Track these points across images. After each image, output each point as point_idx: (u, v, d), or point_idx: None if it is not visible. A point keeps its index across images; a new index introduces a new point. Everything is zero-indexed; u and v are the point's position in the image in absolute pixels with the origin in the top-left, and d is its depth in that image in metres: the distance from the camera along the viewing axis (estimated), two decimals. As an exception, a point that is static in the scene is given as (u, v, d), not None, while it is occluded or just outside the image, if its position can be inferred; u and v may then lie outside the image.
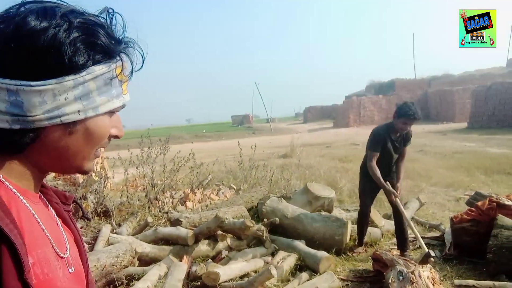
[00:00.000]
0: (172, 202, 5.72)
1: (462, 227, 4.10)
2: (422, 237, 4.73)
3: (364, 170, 4.42)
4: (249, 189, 6.39)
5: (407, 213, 5.42)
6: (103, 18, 0.67)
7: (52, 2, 0.63)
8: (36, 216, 0.65)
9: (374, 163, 4.17)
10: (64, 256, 0.69)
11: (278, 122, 52.22)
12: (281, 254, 3.97)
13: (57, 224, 0.74)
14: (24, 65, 0.58)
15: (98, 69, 0.63)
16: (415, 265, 3.18)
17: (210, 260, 3.80)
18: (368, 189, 4.46)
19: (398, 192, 4.17)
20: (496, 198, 4.18)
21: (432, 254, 3.78)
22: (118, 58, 0.67)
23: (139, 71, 0.72)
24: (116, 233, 4.29)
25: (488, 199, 4.23)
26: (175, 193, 5.92)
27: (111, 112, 0.69)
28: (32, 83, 0.58)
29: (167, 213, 4.79)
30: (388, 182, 4.21)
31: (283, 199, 5.06)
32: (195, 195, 6.12)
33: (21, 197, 0.64)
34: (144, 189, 5.59)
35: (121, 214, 5.12)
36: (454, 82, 33.25)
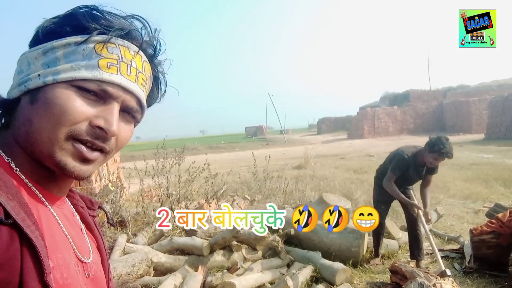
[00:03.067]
0: (187, 213, 5.72)
1: (482, 240, 4.00)
2: (441, 250, 4.65)
3: (378, 181, 4.44)
4: (264, 200, 6.37)
5: (427, 227, 5.34)
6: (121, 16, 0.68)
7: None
8: (59, 221, 0.65)
9: (392, 183, 4.17)
10: (86, 261, 0.68)
11: (292, 133, 52.15)
12: (297, 265, 3.93)
13: (81, 229, 0.74)
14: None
15: (70, 38, 0.63)
16: (436, 278, 3.11)
17: (225, 270, 3.78)
18: (381, 198, 4.43)
19: (429, 218, 4.28)
20: (517, 210, 4.08)
21: (448, 273, 3.63)
22: (102, 33, 0.64)
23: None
24: (132, 242, 4.31)
25: (508, 210, 4.12)
26: (190, 203, 5.93)
27: (97, 97, 0.63)
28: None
29: (182, 223, 4.79)
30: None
31: (298, 210, 5.02)
32: (210, 206, 6.13)
33: (44, 200, 0.64)
34: (159, 199, 5.61)
35: (136, 224, 5.15)
36: (470, 93, 32.89)
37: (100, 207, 0.85)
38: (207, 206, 6.16)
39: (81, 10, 0.65)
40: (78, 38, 0.63)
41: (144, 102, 0.70)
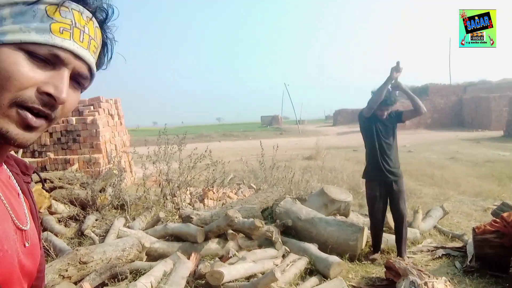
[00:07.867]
0: (191, 200, 5.71)
1: (485, 239, 3.87)
2: (443, 247, 4.54)
3: (368, 175, 4.40)
4: (267, 189, 6.31)
5: (431, 221, 5.25)
6: None
7: None
8: None
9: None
10: (24, 228, 0.66)
11: (308, 124, 51.71)
12: (292, 256, 3.87)
13: (18, 194, 0.70)
14: None
15: None
16: (429, 276, 3.02)
17: (217, 259, 3.74)
18: (374, 193, 4.30)
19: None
20: (524, 210, 3.93)
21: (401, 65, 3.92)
22: None
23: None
24: (129, 227, 4.31)
25: (515, 210, 3.98)
26: (192, 190, 5.92)
27: (47, 63, 0.60)
28: None
29: (179, 209, 4.78)
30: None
31: (298, 200, 4.95)
32: (213, 193, 6.10)
33: None
34: (159, 185, 5.62)
35: (137, 209, 5.16)
36: (491, 89, 31.99)
37: (35, 172, 0.81)
38: (211, 193, 6.13)
39: None
40: None
41: (95, 70, 0.68)
